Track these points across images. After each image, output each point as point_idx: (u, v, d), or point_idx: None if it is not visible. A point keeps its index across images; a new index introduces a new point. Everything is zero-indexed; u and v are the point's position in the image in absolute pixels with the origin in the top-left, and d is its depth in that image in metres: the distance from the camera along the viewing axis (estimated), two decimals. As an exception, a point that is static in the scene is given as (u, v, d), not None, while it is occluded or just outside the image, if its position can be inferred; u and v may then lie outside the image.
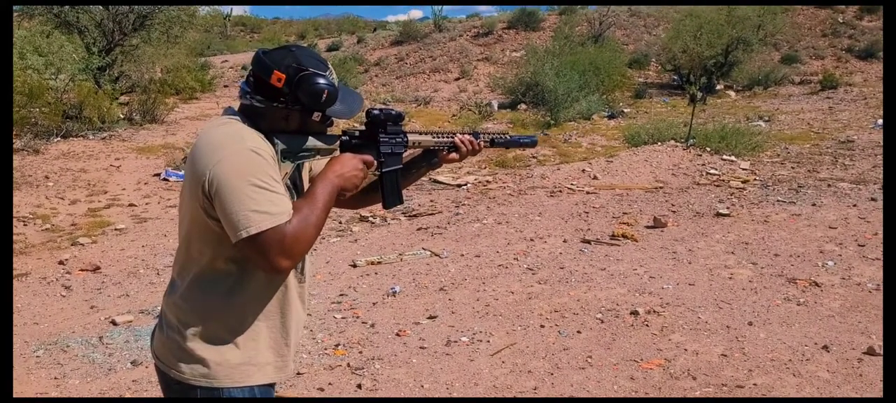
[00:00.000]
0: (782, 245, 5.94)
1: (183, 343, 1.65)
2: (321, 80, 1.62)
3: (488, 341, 4.15)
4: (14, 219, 7.32)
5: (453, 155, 1.97)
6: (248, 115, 1.66)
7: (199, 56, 24.83)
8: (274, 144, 1.61)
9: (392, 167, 1.86)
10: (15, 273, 5.76)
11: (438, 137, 1.95)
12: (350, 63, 22.79)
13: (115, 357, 4.11)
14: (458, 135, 1.96)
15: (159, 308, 4.78)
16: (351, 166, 1.71)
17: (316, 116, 1.67)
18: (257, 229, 1.49)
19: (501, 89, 19.12)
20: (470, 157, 2.01)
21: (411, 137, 1.89)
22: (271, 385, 1.74)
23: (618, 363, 3.80)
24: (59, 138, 11.74)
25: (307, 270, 1.79)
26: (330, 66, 1.69)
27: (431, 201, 8.39)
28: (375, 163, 1.81)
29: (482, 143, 2.01)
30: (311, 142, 1.69)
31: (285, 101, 1.63)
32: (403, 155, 1.90)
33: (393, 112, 1.85)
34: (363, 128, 1.85)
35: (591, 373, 3.69)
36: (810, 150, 10.92)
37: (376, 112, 1.82)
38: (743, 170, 9.43)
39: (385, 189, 1.88)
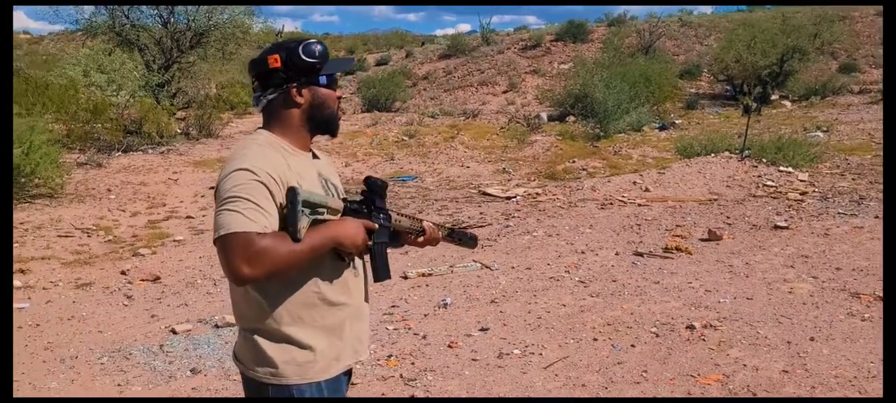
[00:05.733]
0: (844, 258, 5.75)
1: (255, 344, 1.73)
2: (313, 43, 1.72)
3: (541, 354, 4.12)
4: (80, 231, 7.61)
5: (420, 239, 2.00)
6: (270, 117, 1.77)
7: (252, 72, 25.38)
8: (296, 192, 1.61)
9: (381, 240, 1.87)
10: (79, 282, 5.98)
11: (411, 221, 1.97)
12: (398, 77, 22.90)
13: (176, 364, 4.21)
14: (425, 221, 2.01)
15: (216, 317, 4.85)
16: (353, 225, 1.73)
17: (323, 80, 1.75)
18: (226, 230, 1.54)
19: (550, 101, 19.05)
20: (430, 245, 2.05)
21: (393, 216, 1.91)
22: (340, 377, 1.80)
23: (674, 378, 3.73)
24: (120, 153, 12.16)
25: (358, 262, 1.84)
26: None
27: (481, 213, 8.39)
28: (375, 228, 1.82)
29: (441, 234, 2.07)
30: (323, 198, 1.70)
31: (290, 77, 1.72)
32: (389, 229, 1.90)
33: (380, 182, 1.86)
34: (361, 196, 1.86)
35: (646, 388, 3.64)
36: (872, 161, 10.57)
37: (373, 180, 1.86)
38: (801, 181, 9.17)
39: (376, 261, 1.88)
